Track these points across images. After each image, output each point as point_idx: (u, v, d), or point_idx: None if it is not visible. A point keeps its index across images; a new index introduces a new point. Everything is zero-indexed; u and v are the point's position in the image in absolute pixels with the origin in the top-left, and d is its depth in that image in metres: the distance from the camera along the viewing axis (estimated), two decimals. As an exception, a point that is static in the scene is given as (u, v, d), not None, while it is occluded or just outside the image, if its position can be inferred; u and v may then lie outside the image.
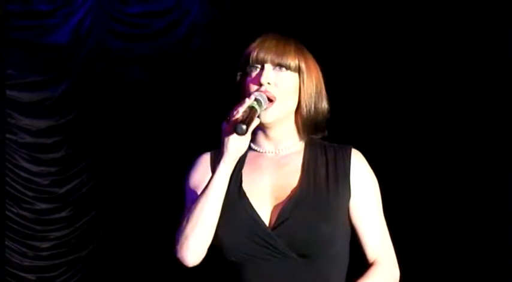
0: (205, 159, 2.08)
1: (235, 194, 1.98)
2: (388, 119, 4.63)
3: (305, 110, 2.03)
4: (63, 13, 5.45)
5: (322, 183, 1.99)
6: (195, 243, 1.93)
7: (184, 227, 1.93)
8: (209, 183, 1.94)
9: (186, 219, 1.94)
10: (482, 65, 4.32)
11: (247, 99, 1.93)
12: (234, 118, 1.89)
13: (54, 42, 5.45)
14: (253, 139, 2.05)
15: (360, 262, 2.05)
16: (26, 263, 5.44)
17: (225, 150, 1.92)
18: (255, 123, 1.93)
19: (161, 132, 5.41)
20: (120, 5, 5.56)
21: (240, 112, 1.90)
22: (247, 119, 1.88)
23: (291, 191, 1.98)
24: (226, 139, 1.92)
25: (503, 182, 4.25)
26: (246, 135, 1.90)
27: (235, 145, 1.92)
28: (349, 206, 2.00)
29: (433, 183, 4.52)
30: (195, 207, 1.93)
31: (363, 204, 2.01)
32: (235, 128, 1.87)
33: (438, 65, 4.51)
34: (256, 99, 1.93)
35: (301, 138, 2.07)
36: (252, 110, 1.91)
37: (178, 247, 1.93)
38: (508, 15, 4.15)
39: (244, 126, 1.86)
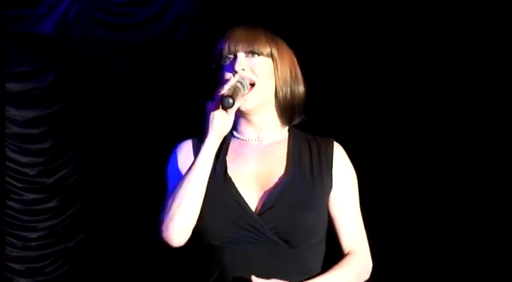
0: (187, 145, 2.10)
1: (221, 180, 2.01)
2: (374, 113, 4.64)
3: (281, 94, 2.07)
4: (48, 4, 5.43)
5: (307, 173, 2.03)
6: (180, 223, 1.94)
7: (170, 206, 1.94)
8: (194, 161, 1.96)
9: (171, 198, 1.95)
10: (481, 65, 4.32)
11: (231, 77, 1.97)
12: (219, 93, 1.92)
13: (40, 33, 5.43)
14: (235, 128, 2.09)
15: (335, 252, 2.09)
16: (15, 254, 5.44)
17: (210, 127, 1.95)
18: (239, 102, 1.96)
19: (148, 121, 5.41)
20: (105, -6, 5.54)
21: (225, 89, 1.93)
22: (233, 94, 1.92)
23: (278, 179, 2.01)
24: (211, 116, 1.95)
25: (497, 180, 4.26)
26: (230, 114, 1.94)
27: (219, 122, 1.95)
28: (330, 197, 2.05)
29: (416, 177, 4.53)
30: (180, 186, 1.95)
31: (343, 196, 2.06)
32: (222, 101, 1.91)
33: (433, 61, 4.49)
34: (239, 81, 1.97)
35: (282, 125, 2.11)
36: (236, 89, 1.95)
37: (163, 227, 1.94)
38: (508, 15, 4.15)
39: (230, 100, 1.91)
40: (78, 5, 5.48)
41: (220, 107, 1.92)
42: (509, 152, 4.16)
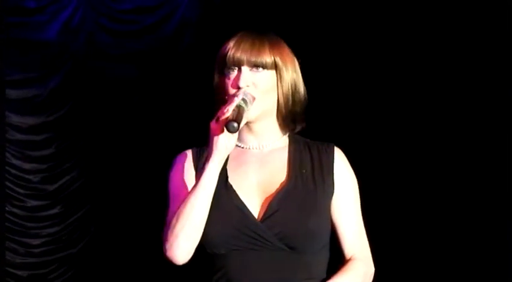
0: (188, 157, 2.09)
1: (222, 189, 2.00)
2: (374, 117, 4.63)
3: (283, 104, 2.06)
4: (52, 10, 5.43)
5: (309, 179, 2.03)
6: (185, 242, 1.93)
7: (174, 226, 1.93)
8: (198, 182, 1.95)
9: (175, 218, 1.94)
10: (481, 65, 4.31)
11: (235, 99, 1.95)
12: (224, 117, 1.90)
13: (44, 39, 5.43)
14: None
15: (337, 257, 2.09)
16: (18, 260, 5.44)
17: (214, 148, 1.93)
18: (244, 121, 1.95)
19: (152, 128, 5.41)
20: (109, 1, 5.54)
21: (229, 111, 1.91)
22: (238, 117, 1.91)
23: (280, 185, 2.01)
24: (215, 138, 1.93)
25: (496, 179, 4.26)
26: (235, 133, 1.92)
27: (224, 144, 1.93)
28: (331, 202, 2.05)
29: (416, 180, 4.52)
30: (184, 206, 1.94)
31: (345, 201, 2.06)
32: (228, 126, 1.89)
33: (432, 65, 4.49)
34: (243, 99, 1.96)
35: (283, 133, 2.11)
36: (240, 109, 1.93)
37: (168, 246, 1.94)
38: (508, 15, 4.14)
39: (235, 124, 1.89)
40: (82, 12, 5.49)
41: (225, 130, 1.91)
42: (509, 152, 4.15)
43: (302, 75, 2.12)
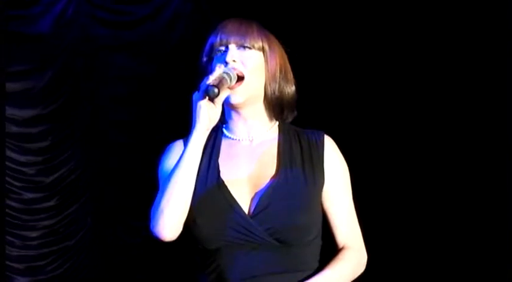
0: (177, 146, 2.09)
1: (214, 184, 2.01)
2: (366, 105, 4.64)
3: (270, 89, 2.06)
4: (46, 2, 5.41)
5: (299, 171, 2.03)
6: (170, 216, 1.93)
7: (160, 201, 1.94)
8: (182, 154, 1.95)
9: (161, 193, 1.95)
10: (480, 64, 4.31)
11: (217, 68, 1.96)
12: (205, 84, 1.92)
13: (38, 31, 5.41)
14: (226, 125, 2.09)
15: (331, 247, 2.10)
16: (15, 253, 5.43)
17: (196, 119, 1.94)
18: (225, 93, 1.95)
19: (147, 118, 5.40)
20: (103, -8, 5.53)
21: (210, 79, 1.92)
22: (219, 84, 1.91)
23: (269, 180, 2.01)
24: (198, 107, 1.93)
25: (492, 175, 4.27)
26: (217, 105, 1.93)
27: (206, 113, 1.93)
28: (322, 192, 2.05)
29: (408, 169, 4.53)
30: (169, 181, 1.94)
31: (335, 190, 2.06)
32: (207, 90, 1.90)
33: (422, 56, 4.49)
34: (226, 72, 1.96)
35: (273, 122, 2.11)
36: (222, 79, 1.93)
37: (154, 221, 1.94)
38: (508, 15, 4.14)
39: (216, 89, 1.89)
40: (75, 3, 5.47)
41: (206, 97, 1.91)
42: (509, 152, 4.16)
43: (294, 67, 2.12)
